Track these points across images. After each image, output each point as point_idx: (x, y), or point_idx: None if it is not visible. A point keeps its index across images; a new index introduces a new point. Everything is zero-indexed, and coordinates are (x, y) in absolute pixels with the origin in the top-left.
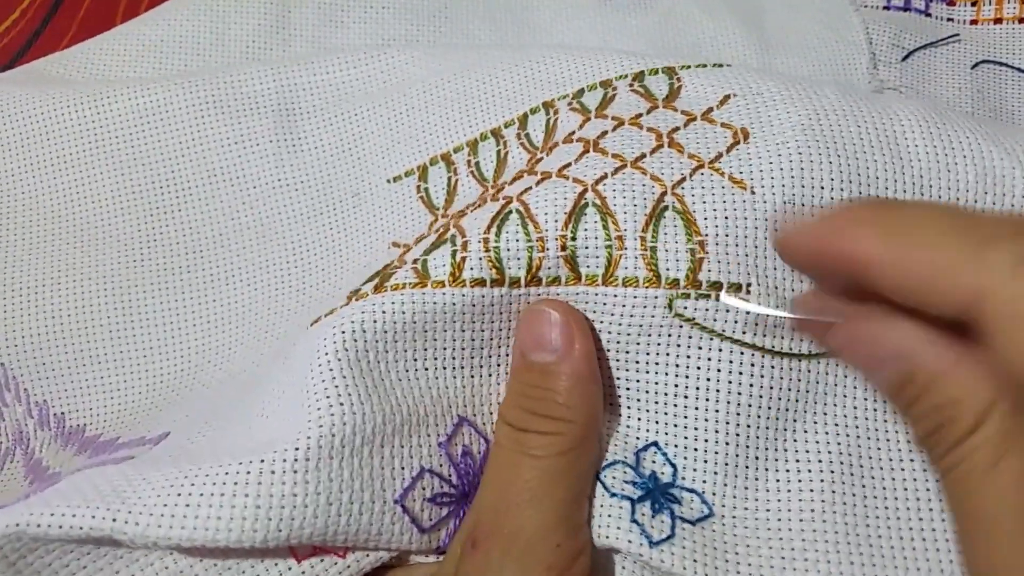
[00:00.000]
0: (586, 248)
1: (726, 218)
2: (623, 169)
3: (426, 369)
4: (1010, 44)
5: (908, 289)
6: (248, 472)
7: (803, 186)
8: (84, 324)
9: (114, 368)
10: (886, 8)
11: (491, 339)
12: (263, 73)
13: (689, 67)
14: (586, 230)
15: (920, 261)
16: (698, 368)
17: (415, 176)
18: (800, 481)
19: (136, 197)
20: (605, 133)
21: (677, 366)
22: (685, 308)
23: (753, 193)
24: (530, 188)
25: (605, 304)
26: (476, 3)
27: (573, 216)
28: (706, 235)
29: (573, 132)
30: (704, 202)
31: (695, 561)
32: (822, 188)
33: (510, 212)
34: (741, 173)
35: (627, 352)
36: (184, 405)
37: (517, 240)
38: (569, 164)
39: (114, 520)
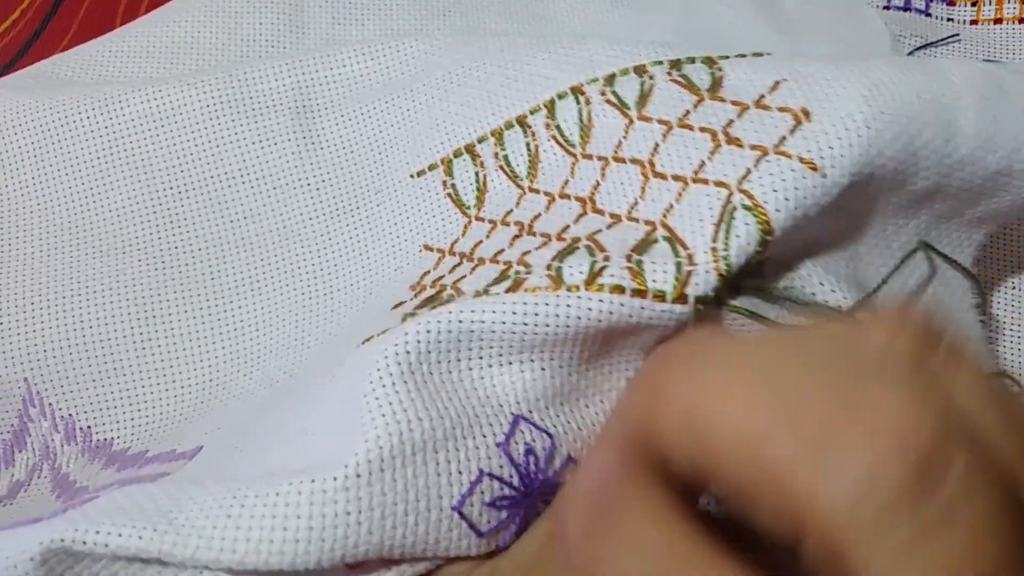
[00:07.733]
0: (653, 263)
1: (795, 209)
2: (686, 189)
3: (470, 369)
4: (1010, 44)
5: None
6: (299, 493)
7: (868, 160)
8: (106, 335)
9: (139, 379)
10: (886, 8)
11: (535, 333)
12: (278, 69)
13: (728, 57)
14: (652, 252)
15: (743, 472)
16: None
17: (440, 170)
18: None
19: (154, 203)
20: (657, 147)
21: None
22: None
23: (824, 177)
24: (600, 231)
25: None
26: None
27: (638, 248)
28: (776, 229)
29: (620, 142)
30: (775, 190)
31: None
32: (882, 160)
33: (577, 248)
34: (810, 152)
35: None
36: (215, 416)
37: (581, 264)
38: (636, 203)
39: (162, 544)
